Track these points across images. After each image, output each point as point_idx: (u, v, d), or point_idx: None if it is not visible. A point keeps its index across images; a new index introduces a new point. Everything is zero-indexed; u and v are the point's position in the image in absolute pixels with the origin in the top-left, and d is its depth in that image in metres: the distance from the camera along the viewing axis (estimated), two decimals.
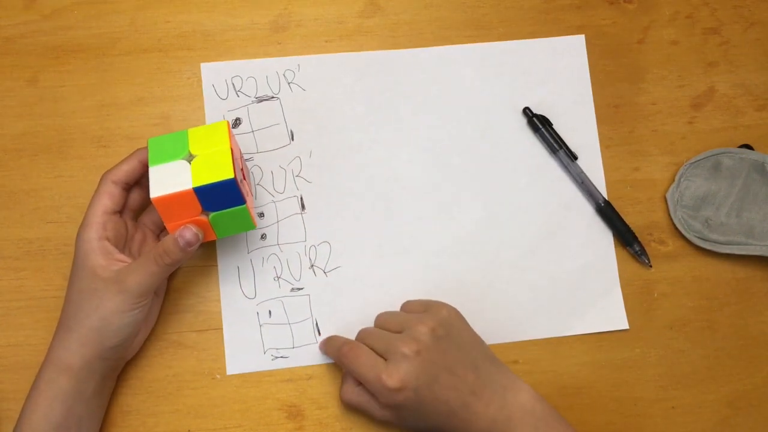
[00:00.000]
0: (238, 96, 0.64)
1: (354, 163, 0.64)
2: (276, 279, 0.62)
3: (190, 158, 0.53)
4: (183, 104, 0.64)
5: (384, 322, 0.60)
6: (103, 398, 0.57)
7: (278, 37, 0.66)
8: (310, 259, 0.63)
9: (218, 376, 0.61)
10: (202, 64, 0.65)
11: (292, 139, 0.64)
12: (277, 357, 0.61)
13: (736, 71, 0.69)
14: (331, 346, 0.59)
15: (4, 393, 0.60)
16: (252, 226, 0.57)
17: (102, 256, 0.54)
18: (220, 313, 0.62)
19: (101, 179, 0.56)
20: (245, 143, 0.64)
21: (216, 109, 0.64)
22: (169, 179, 0.52)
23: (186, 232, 0.54)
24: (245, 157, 0.64)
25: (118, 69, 0.64)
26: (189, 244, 0.54)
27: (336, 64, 0.66)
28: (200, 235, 0.54)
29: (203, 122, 0.64)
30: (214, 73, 0.65)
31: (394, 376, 0.54)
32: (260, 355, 0.61)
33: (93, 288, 0.53)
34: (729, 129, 0.68)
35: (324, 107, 0.65)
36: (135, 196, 0.58)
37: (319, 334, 0.62)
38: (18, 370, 0.60)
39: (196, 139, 0.54)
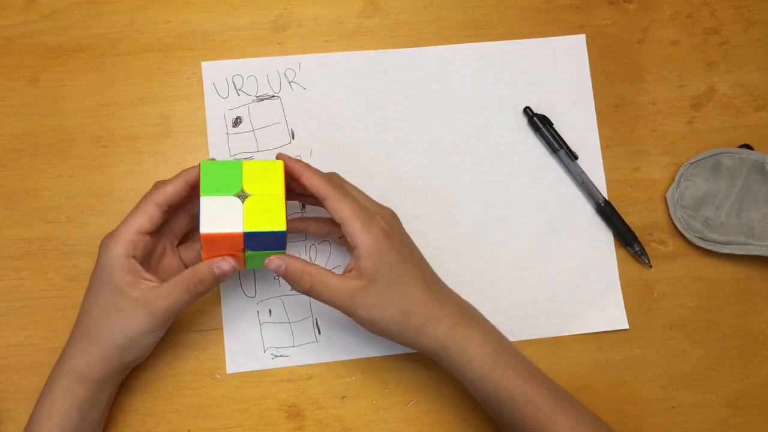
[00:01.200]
0: (239, 95, 0.64)
1: (354, 163, 0.64)
2: (276, 278, 0.62)
3: (242, 196, 0.52)
4: (183, 104, 0.64)
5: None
6: (111, 402, 0.58)
7: (278, 37, 0.66)
8: (310, 257, 0.63)
9: (218, 376, 0.61)
10: (203, 63, 0.65)
11: (293, 138, 0.64)
12: (277, 356, 0.61)
13: (736, 71, 0.69)
14: (312, 172, 0.55)
15: (4, 393, 0.59)
16: None
17: (129, 275, 0.53)
18: (220, 312, 0.62)
19: (145, 199, 0.54)
20: (246, 142, 0.64)
21: (216, 108, 0.64)
22: (219, 216, 0.52)
23: (223, 263, 0.53)
24: (247, 156, 0.64)
25: (118, 69, 0.64)
26: (225, 275, 0.53)
27: (336, 63, 0.66)
28: (237, 268, 0.54)
29: (203, 122, 0.64)
30: (214, 72, 0.65)
31: (389, 223, 0.54)
32: (260, 354, 0.61)
33: (119, 306, 0.53)
34: (729, 129, 0.68)
35: (324, 106, 0.65)
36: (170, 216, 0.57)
37: (319, 333, 0.62)
38: (18, 370, 0.60)
39: (250, 174, 0.53)
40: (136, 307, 0.53)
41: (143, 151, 0.63)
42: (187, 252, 0.59)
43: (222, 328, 0.61)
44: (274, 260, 0.54)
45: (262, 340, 0.62)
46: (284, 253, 0.54)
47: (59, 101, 0.64)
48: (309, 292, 0.54)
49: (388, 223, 0.54)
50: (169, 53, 0.65)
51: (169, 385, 0.61)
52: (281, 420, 0.61)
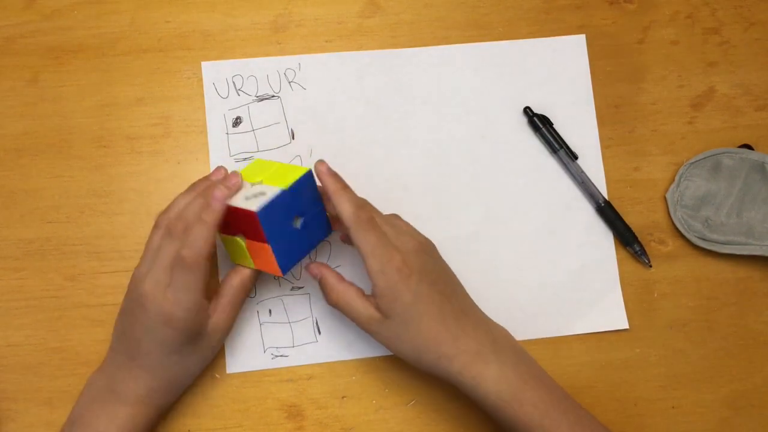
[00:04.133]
0: (239, 95, 0.64)
1: (354, 163, 0.64)
2: (276, 278, 0.62)
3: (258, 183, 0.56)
4: (183, 104, 0.64)
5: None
6: None
7: (278, 37, 0.66)
8: (310, 257, 0.63)
9: (218, 376, 0.61)
10: (203, 63, 0.65)
11: (293, 138, 0.64)
12: (277, 356, 0.61)
13: (736, 71, 0.69)
14: (344, 197, 0.55)
15: (4, 393, 0.59)
16: (277, 272, 0.56)
17: (200, 315, 0.54)
18: None
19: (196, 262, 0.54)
20: (246, 142, 0.64)
21: (216, 108, 0.64)
22: (241, 196, 0.55)
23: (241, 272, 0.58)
24: (246, 156, 0.64)
25: (118, 69, 0.64)
26: (244, 278, 0.58)
27: (336, 63, 0.66)
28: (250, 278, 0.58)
29: (203, 122, 0.64)
30: (214, 72, 0.65)
31: (408, 263, 0.54)
32: (260, 354, 0.61)
33: (187, 352, 0.55)
34: (729, 129, 0.68)
35: (324, 106, 0.65)
36: None
37: (319, 333, 0.62)
38: (18, 370, 0.60)
39: (282, 171, 0.56)
40: (203, 348, 0.56)
41: (143, 151, 0.63)
42: None
43: None
44: (313, 268, 0.58)
45: (262, 340, 0.62)
46: (268, 246, 0.55)
47: (59, 101, 0.64)
48: (335, 307, 0.57)
49: (407, 263, 0.54)
50: (169, 53, 0.65)
51: None
52: (281, 420, 0.61)
